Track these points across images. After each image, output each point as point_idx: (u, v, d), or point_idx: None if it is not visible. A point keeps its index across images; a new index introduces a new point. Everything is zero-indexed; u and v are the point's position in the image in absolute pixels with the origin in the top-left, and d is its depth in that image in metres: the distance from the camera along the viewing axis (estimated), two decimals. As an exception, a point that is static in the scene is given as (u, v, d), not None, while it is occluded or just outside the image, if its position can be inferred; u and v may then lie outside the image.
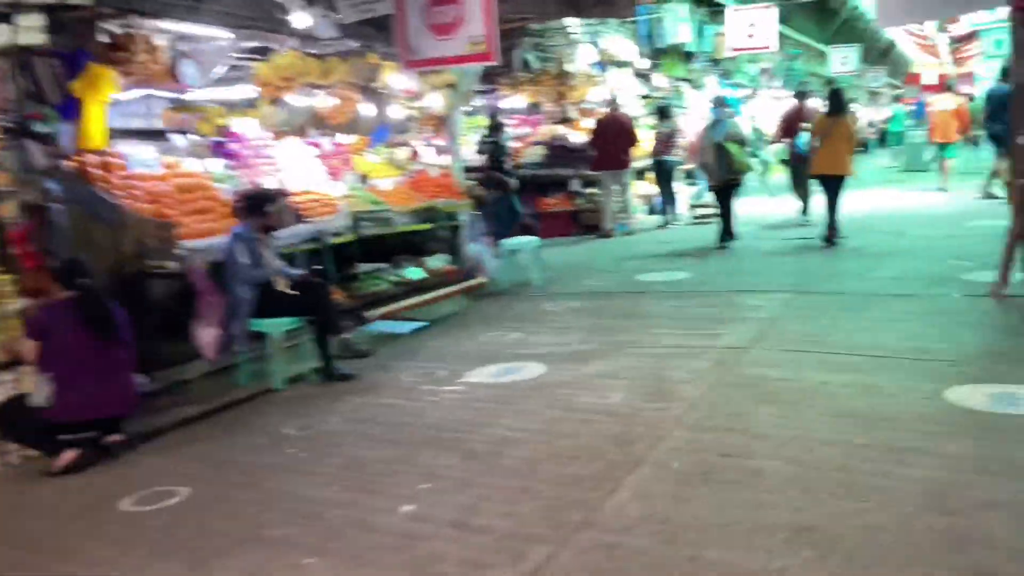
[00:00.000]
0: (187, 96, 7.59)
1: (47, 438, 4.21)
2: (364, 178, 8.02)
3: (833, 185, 9.12)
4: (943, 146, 13.59)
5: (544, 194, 11.89)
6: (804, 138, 10.37)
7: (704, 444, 3.80)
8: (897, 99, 24.24)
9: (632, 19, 12.67)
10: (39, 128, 4.73)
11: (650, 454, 3.70)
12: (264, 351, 5.43)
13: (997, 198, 10.82)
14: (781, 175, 13.38)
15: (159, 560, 3.18)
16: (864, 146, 17.30)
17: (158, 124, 8.00)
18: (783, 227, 10.84)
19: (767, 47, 14.21)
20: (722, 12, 15.38)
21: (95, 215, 4.91)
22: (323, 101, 7.31)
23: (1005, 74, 9.21)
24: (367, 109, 7.94)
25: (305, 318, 5.49)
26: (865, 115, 27.09)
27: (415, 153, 8.98)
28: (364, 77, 7.07)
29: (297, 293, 5.47)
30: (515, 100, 12.67)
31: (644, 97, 15.13)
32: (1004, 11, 6.31)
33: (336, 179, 7.42)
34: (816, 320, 5.88)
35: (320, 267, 6.17)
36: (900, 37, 31.32)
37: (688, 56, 16.67)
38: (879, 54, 35.73)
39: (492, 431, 4.24)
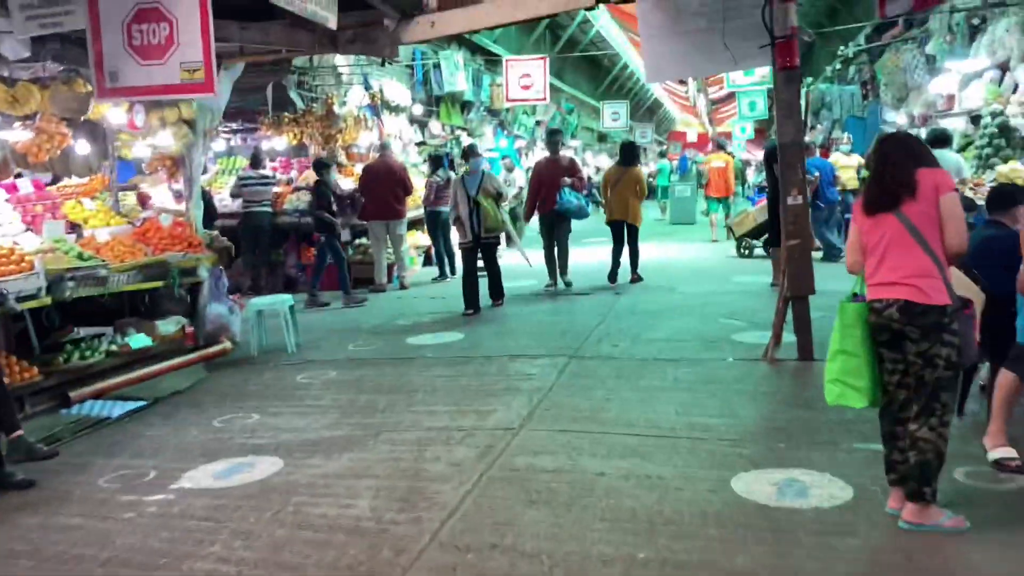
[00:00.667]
0: None
1: None
2: (78, 228, 6.74)
3: (624, 231, 9.62)
4: (717, 200, 14.91)
5: (310, 244, 10.85)
6: (566, 195, 9.20)
7: (463, 571, 3.09)
8: (663, 155, 25.57)
9: (398, 61, 12.09)
10: None
11: (393, 593, 2.93)
12: None
13: (748, 255, 11.67)
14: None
15: None
16: (651, 194, 18.06)
17: None
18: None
19: (542, 99, 14.24)
20: (499, 62, 15.31)
21: None
22: (18, 135, 5.99)
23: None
24: (81, 147, 6.68)
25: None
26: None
27: (146, 198, 7.73)
28: (69, 108, 5.84)
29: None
30: (278, 141, 11.59)
31: (420, 144, 14.65)
32: (763, 72, 6.32)
33: (36, 230, 6.11)
34: (591, 391, 5.42)
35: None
36: (663, 96, 33.59)
37: (465, 105, 16.49)
38: (647, 110, 38.21)
39: (196, 566, 3.28)
